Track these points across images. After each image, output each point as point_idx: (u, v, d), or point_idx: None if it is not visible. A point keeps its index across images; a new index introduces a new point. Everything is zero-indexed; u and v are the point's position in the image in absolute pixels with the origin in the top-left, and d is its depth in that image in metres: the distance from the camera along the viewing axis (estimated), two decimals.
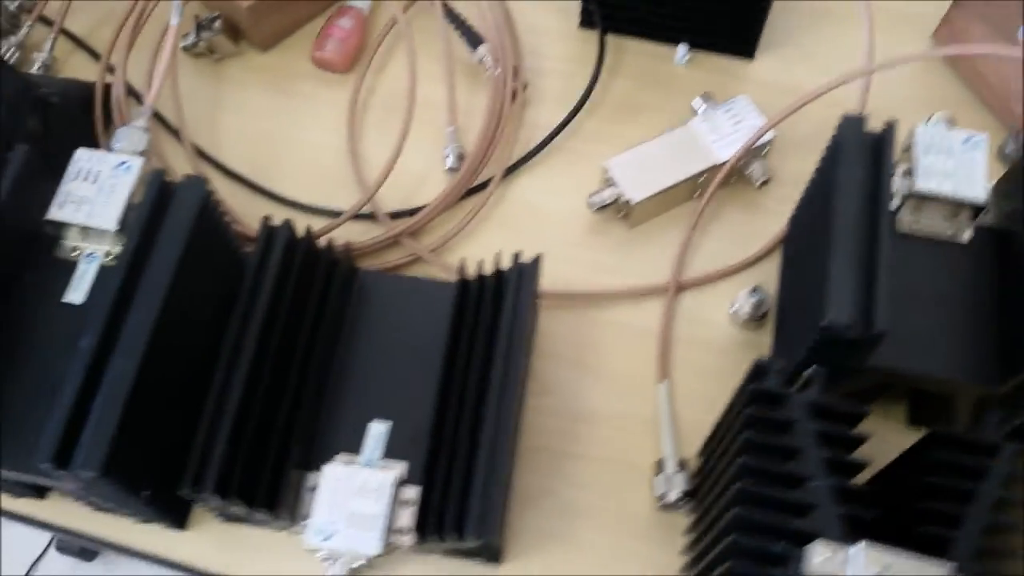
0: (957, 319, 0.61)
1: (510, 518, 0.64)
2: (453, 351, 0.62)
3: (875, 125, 0.60)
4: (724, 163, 0.71)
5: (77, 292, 0.58)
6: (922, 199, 0.63)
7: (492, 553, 0.61)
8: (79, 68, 0.81)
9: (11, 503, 0.65)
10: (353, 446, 0.61)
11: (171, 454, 0.58)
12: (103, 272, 0.59)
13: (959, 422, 0.64)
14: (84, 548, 1.41)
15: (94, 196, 0.58)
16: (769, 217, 0.74)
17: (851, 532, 0.46)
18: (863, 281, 0.56)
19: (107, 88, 0.75)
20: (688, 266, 0.72)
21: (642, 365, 0.69)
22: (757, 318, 0.69)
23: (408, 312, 0.65)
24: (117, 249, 0.59)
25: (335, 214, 0.74)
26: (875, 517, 0.46)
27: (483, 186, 0.75)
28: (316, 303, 0.62)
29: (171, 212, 0.56)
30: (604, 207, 0.71)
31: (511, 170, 0.76)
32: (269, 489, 0.57)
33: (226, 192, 0.76)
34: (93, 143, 0.73)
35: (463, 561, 0.63)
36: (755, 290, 0.68)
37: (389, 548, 0.57)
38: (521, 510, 0.64)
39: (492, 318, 0.60)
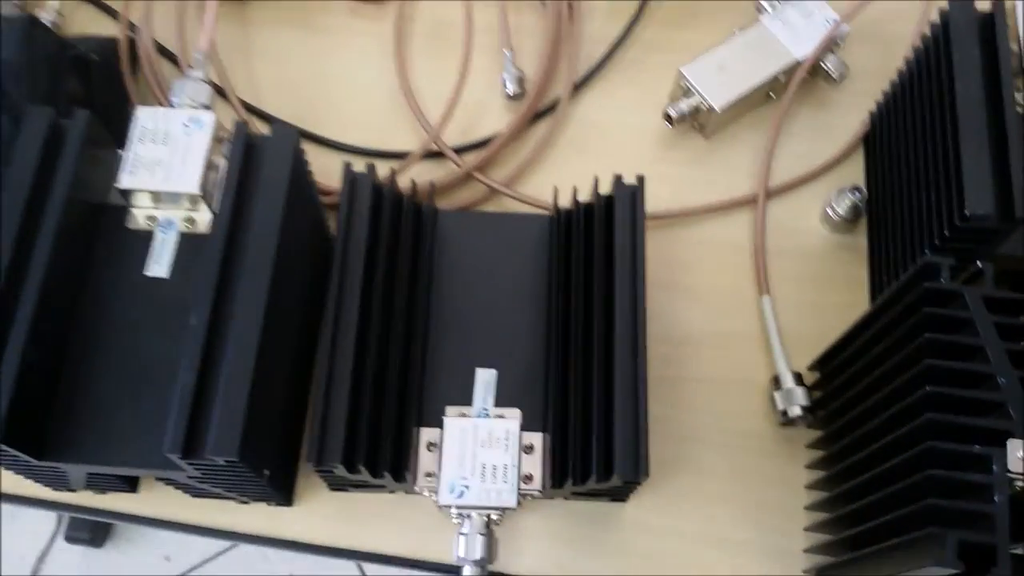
0: None
1: None
2: (562, 285, 0.58)
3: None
4: (804, 60, 0.68)
5: (160, 264, 0.53)
6: None
7: (626, 490, 0.58)
8: (87, 23, 0.74)
9: (95, 500, 0.61)
10: (458, 397, 0.57)
11: (282, 427, 0.54)
12: (183, 240, 0.54)
13: None
14: (94, 535, 1.37)
15: (168, 158, 0.52)
16: (847, 112, 0.71)
17: None
18: (997, 167, 0.53)
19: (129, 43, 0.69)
20: (771, 172, 0.69)
21: (739, 280, 0.67)
22: (853, 219, 0.66)
23: (497, 250, 0.61)
24: (197, 214, 0.54)
25: (395, 155, 0.69)
26: None
27: (546, 111, 0.71)
28: (409, 251, 0.58)
29: (264, 168, 0.51)
30: (682, 118, 0.68)
31: (578, 87, 0.71)
32: (393, 452, 0.54)
33: None
34: (128, 102, 0.67)
35: (587, 502, 0.61)
36: (854, 190, 0.65)
37: (522, 498, 0.54)
38: None
39: (605, 246, 0.57)
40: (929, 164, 0.58)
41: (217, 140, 0.54)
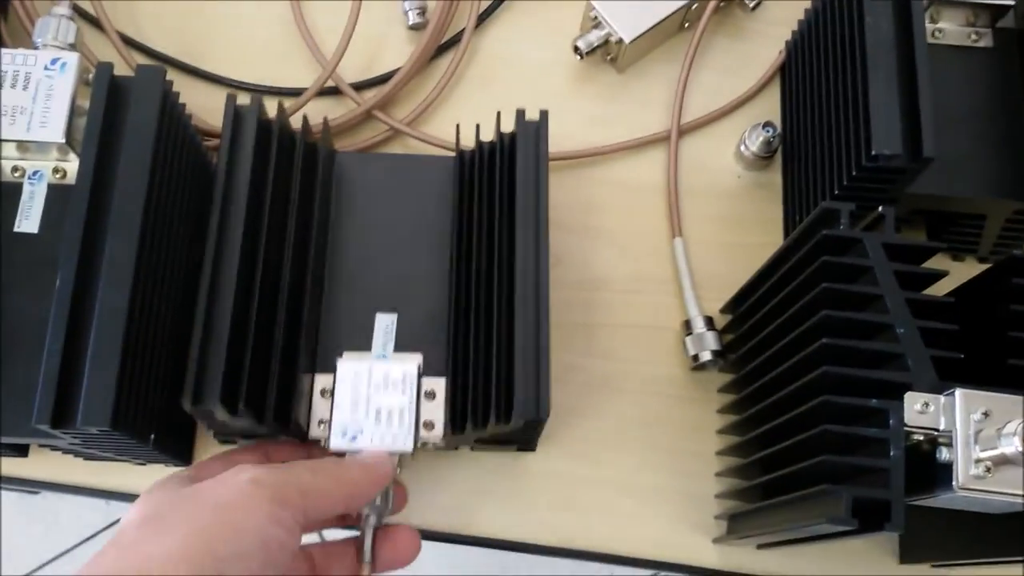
0: (986, 132, 0.58)
1: None
2: (465, 227, 0.56)
3: None
4: None
5: (30, 219, 0.50)
6: (942, 5, 0.58)
7: (531, 437, 0.57)
8: None
9: None
10: (358, 344, 0.55)
11: (169, 387, 0.51)
12: (53, 192, 0.50)
13: (985, 245, 0.62)
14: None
15: (30, 104, 0.48)
16: (764, 42, 0.68)
17: (943, 377, 0.43)
18: (906, 104, 0.52)
19: None
20: (686, 107, 0.67)
21: (652, 221, 0.65)
22: (766, 156, 0.64)
23: (399, 193, 0.59)
24: (66, 164, 0.50)
25: (289, 92, 0.65)
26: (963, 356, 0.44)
27: (451, 43, 0.67)
28: (301, 193, 0.55)
29: (130, 112, 0.47)
30: (592, 51, 0.65)
31: (484, 17, 0.68)
32: (280, 398, 0.51)
33: None
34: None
35: (496, 453, 0.59)
36: (766, 125, 0.63)
37: (420, 444, 0.52)
38: None
39: (507, 186, 0.54)
40: (839, 100, 0.56)
41: (85, 83, 0.50)
